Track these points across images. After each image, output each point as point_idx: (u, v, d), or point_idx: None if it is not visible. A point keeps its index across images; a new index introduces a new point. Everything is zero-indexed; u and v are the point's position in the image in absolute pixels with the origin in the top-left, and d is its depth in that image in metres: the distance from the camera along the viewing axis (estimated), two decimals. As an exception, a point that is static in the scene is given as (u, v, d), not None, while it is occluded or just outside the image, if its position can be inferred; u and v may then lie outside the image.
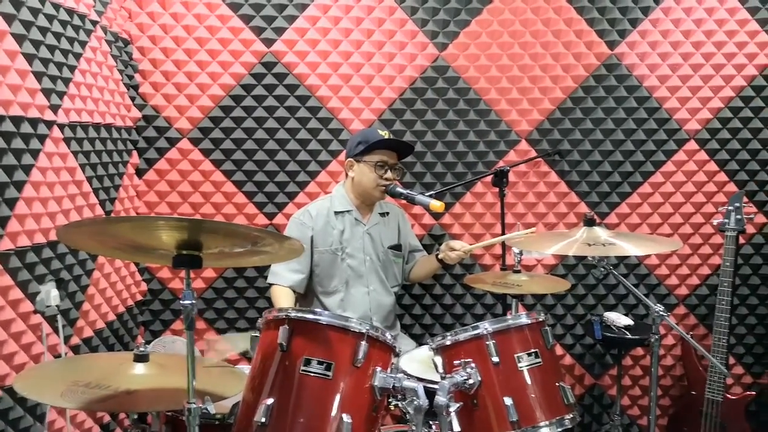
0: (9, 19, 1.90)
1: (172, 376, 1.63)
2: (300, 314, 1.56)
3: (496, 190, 2.84)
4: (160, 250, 1.39)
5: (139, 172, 2.89)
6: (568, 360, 3.15)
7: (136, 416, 1.76)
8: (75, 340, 2.32)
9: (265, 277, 2.69)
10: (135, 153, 2.85)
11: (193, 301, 1.36)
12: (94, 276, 2.46)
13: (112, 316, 2.62)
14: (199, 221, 1.30)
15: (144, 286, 2.95)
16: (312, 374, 1.50)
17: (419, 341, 2.91)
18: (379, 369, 1.57)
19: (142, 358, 1.65)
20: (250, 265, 2.68)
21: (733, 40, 2.88)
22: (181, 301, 1.36)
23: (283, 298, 2.39)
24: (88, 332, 2.41)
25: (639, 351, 3.13)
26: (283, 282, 2.44)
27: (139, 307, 2.93)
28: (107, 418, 2.55)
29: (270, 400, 1.49)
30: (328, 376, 1.50)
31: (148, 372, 1.64)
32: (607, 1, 2.88)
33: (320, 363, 1.51)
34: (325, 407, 1.49)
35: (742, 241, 2.98)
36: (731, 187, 2.97)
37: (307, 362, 1.51)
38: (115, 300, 2.66)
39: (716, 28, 2.88)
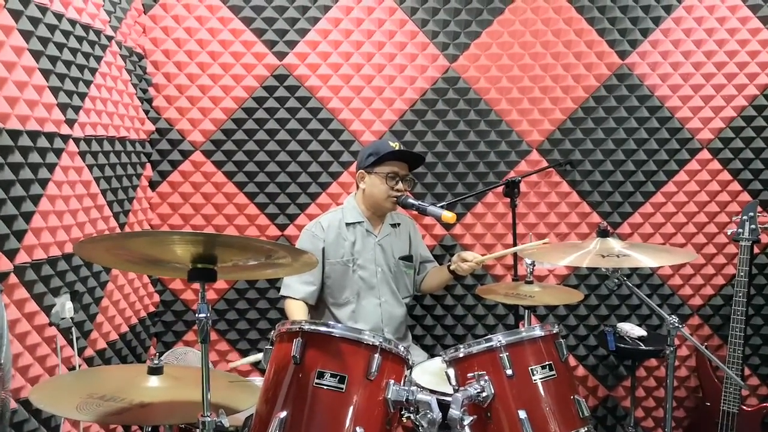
0: (27, 35, 1.93)
1: (186, 389, 1.64)
2: (313, 327, 1.57)
3: (508, 200, 2.83)
4: (175, 264, 1.40)
5: (153, 185, 2.91)
6: (581, 371, 3.12)
7: (149, 429, 1.76)
8: (89, 352, 2.34)
9: (277, 288, 2.71)
10: (148, 165, 2.88)
11: (208, 314, 1.37)
12: (108, 288, 2.48)
13: (125, 328, 2.64)
14: (213, 235, 1.31)
15: (156, 298, 2.97)
16: (325, 387, 1.50)
17: (431, 352, 2.91)
18: (392, 382, 1.56)
19: (156, 370, 1.66)
20: (263, 277, 2.68)
21: (745, 49, 2.87)
22: (196, 315, 1.37)
23: (296, 312, 2.40)
24: (101, 344, 2.43)
25: (653, 362, 3.10)
26: (296, 294, 2.44)
27: (151, 319, 2.95)
28: (120, 430, 2.56)
29: (283, 414, 1.49)
30: (342, 389, 1.50)
31: (162, 385, 1.64)
32: (617, 12, 2.88)
33: (333, 376, 1.51)
34: (339, 420, 1.49)
35: (756, 250, 2.95)
36: (745, 197, 2.95)
37: (321, 375, 1.51)
38: (129, 311, 2.68)
39: (728, 37, 2.87)
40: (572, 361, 3.10)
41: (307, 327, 1.57)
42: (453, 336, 3.11)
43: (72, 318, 2.17)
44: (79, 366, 2.21)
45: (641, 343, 2.75)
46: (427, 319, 3.10)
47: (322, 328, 1.57)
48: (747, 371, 3.06)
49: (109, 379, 1.72)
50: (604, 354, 3.10)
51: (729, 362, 2.67)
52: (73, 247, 1.44)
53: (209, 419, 1.38)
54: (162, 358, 1.72)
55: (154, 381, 1.65)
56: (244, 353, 3.04)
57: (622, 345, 2.75)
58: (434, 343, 3.11)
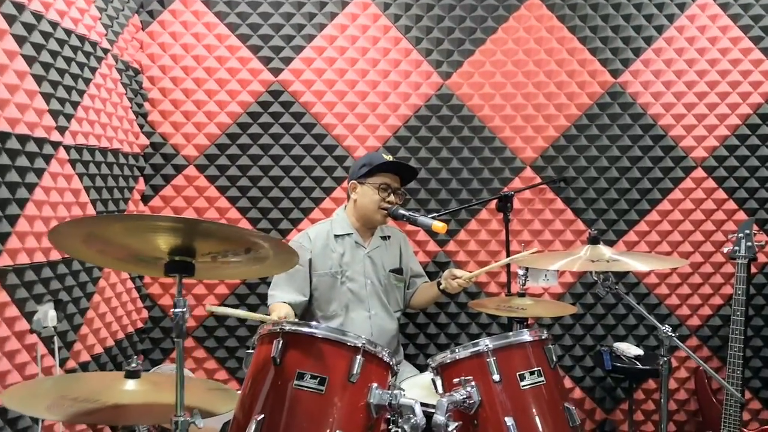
0: (20, 40, 1.95)
1: (163, 393, 1.60)
2: (295, 327, 1.53)
3: (501, 217, 2.82)
4: (152, 257, 1.37)
5: (145, 199, 2.90)
6: (577, 393, 3.05)
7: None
8: (71, 364, 2.29)
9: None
10: (141, 179, 2.88)
11: (185, 309, 1.34)
12: (95, 299, 2.44)
13: (110, 342, 2.59)
14: (194, 221, 1.27)
15: (145, 313, 2.93)
16: (305, 389, 1.46)
17: (423, 371, 2.84)
18: (375, 385, 1.52)
19: (133, 374, 1.62)
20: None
21: (737, 68, 2.88)
22: (172, 309, 1.33)
23: (279, 307, 2.30)
24: (85, 356, 2.38)
25: (651, 384, 3.02)
26: (282, 300, 2.38)
27: (139, 335, 2.90)
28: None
29: (261, 416, 1.44)
30: (322, 390, 1.46)
31: (139, 388, 1.60)
32: (609, 31, 2.91)
33: (314, 377, 1.47)
34: (318, 423, 1.44)
35: (754, 270, 2.90)
36: (741, 216, 2.92)
37: (301, 376, 1.47)
38: (115, 325, 2.63)
39: (720, 56, 2.89)
40: (568, 383, 3.03)
41: (288, 327, 1.53)
42: (446, 356, 3.04)
43: (55, 327, 2.13)
44: (61, 377, 2.16)
45: (638, 362, 2.69)
46: (420, 338, 3.05)
47: (305, 329, 1.54)
48: (748, 395, 2.98)
49: (86, 383, 1.68)
50: (601, 375, 3.03)
51: (729, 384, 2.60)
52: (48, 235, 1.40)
53: (182, 419, 1.33)
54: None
55: (131, 384, 1.61)
56: (231, 371, 2.99)
57: (619, 364, 2.69)
58: (426, 363, 3.03)
